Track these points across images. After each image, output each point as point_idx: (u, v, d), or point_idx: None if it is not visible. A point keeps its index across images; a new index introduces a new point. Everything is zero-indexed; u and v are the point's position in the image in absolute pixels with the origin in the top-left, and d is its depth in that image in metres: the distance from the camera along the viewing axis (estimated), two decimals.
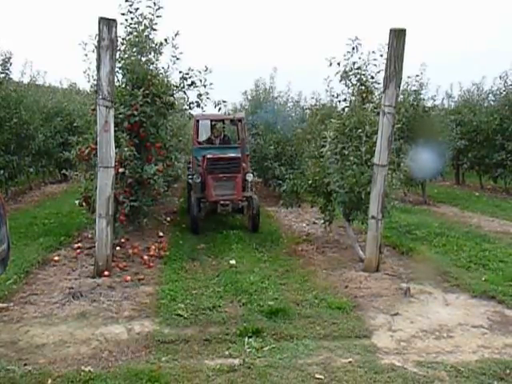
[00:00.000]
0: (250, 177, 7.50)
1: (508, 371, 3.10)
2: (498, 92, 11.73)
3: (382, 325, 3.90)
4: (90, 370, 3.08)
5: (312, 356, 3.32)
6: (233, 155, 7.30)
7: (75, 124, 8.71)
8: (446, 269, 5.26)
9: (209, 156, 7.17)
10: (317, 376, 3.04)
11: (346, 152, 5.55)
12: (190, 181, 7.63)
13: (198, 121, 8.16)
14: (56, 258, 5.57)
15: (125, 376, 3.01)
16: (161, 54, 6.06)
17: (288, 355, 3.31)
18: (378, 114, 5.15)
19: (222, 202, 6.99)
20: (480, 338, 3.65)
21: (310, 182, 6.12)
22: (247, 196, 7.25)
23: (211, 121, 8.80)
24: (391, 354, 3.38)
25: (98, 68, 4.84)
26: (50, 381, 2.97)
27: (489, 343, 3.56)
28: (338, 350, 3.40)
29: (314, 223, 7.73)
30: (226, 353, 3.35)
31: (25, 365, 3.17)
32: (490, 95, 12.07)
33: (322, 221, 6.38)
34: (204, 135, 9.20)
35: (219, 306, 4.18)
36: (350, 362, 3.23)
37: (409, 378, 3.03)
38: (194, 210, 6.99)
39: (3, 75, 9.21)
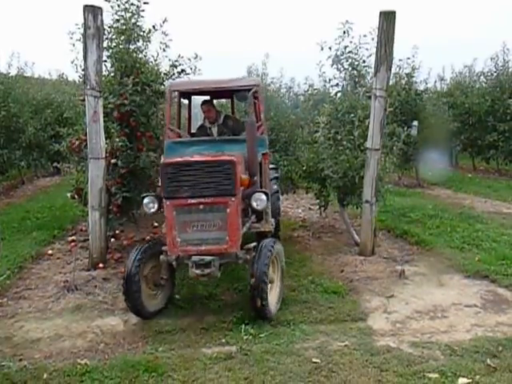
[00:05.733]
0: (260, 202, 3.77)
1: (501, 348, 3.15)
2: (489, 74, 11.71)
3: (378, 307, 3.93)
4: (86, 363, 3.09)
5: (308, 340, 3.34)
6: (222, 157, 3.75)
7: (65, 115, 8.60)
8: (440, 250, 5.30)
9: (167, 160, 3.84)
10: (313, 360, 3.06)
11: (339, 137, 5.52)
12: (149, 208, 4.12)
13: (172, 92, 4.79)
14: (50, 252, 5.54)
15: (122, 367, 3.01)
16: (149, 41, 5.95)
17: (285, 340, 3.33)
18: (370, 97, 5.12)
19: (195, 259, 3.52)
20: (473, 317, 3.70)
21: (304, 167, 6.10)
22: (263, 232, 4.04)
23: (200, 93, 5.18)
24: (387, 336, 3.41)
25: (85, 57, 4.75)
26: (45, 375, 2.96)
27: (482, 322, 3.61)
28: (335, 334, 3.43)
29: (310, 209, 7.74)
30: (223, 340, 3.37)
31: (20, 360, 3.17)
32: (482, 77, 12.05)
33: (318, 206, 6.38)
34: (194, 121, 6.00)
35: (215, 295, 4.19)
36: (346, 345, 3.25)
37: (404, 358, 3.06)
38: (131, 268, 3.60)
39: None
